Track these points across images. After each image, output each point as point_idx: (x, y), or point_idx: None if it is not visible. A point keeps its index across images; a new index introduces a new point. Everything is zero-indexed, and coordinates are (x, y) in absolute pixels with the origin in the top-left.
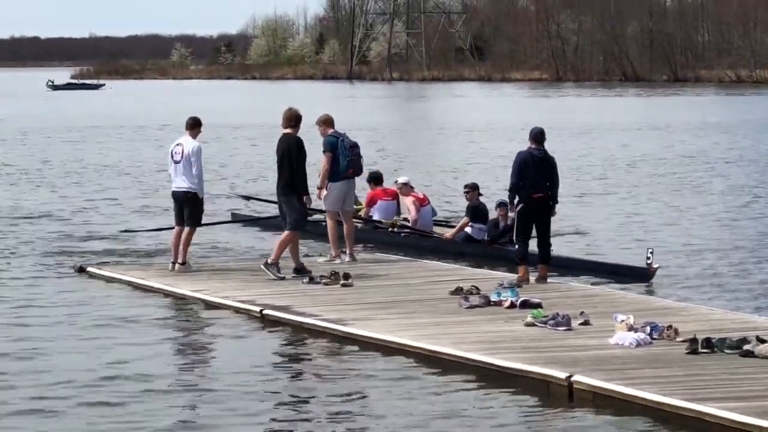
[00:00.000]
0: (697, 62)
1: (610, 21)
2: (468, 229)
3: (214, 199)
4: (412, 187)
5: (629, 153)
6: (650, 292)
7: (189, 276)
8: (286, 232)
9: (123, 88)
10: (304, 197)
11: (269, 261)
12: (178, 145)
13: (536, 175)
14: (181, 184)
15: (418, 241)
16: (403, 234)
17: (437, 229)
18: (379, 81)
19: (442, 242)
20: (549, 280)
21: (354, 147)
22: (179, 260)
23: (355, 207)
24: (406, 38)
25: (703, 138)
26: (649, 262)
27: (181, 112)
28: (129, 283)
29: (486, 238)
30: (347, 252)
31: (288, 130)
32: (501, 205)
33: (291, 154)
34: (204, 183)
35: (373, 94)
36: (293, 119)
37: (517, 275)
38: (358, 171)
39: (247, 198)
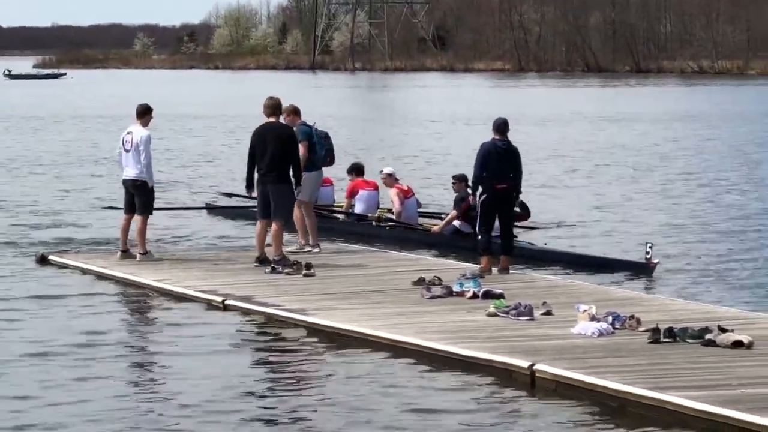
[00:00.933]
0: (660, 53)
1: (572, 11)
2: (456, 223)
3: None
4: (396, 179)
5: (598, 143)
6: (650, 288)
7: (151, 265)
8: (277, 223)
9: (85, 77)
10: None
11: (275, 258)
12: (128, 133)
13: (500, 165)
14: (131, 172)
15: (405, 234)
16: (387, 227)
17: (424, 222)
18: (341, 71)
19: (430, 236)
20: (512, 271)
21: (327, 137)
22: (139, 250)
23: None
24: (369, 28)
25: (670, 129)
26: (648, 256)
27: (142, 101)
28: (91, 272)
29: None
30: (311, 242)
31: (273, 119)
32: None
33: (284, 142)
34: (153, 171)
35: (336, 83)
36: (279, 108)
37: (479, 266)
38: (334, 160)
39: (230, 195)
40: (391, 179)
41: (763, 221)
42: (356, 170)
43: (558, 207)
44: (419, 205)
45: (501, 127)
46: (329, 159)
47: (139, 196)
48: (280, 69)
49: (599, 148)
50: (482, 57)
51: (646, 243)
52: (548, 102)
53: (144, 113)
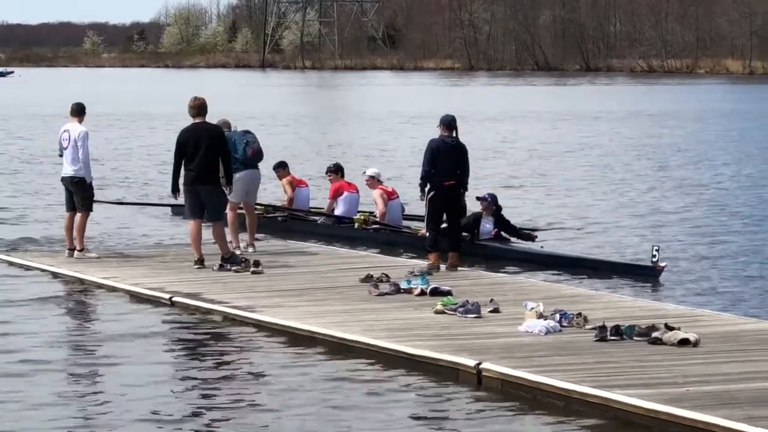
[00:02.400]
0: (609, 52)
1: (522, 10)
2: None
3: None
4: (380, 180)
5: (566, 141)
6: (656, 292)
7: (99, 263)
8: (217, 223)
9: (33, 76)
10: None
11: (225, 257)
12: (65, 131)
13: (448, 162)
14: (68, 169)
15: (392, 238)
16: (372, 230)
17: (411, 225)
18: (291, 69)
19: (419, 239)
20: (460, 268)
21: (247, 133)
22: (77, 247)
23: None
24: (319, 27)
25: (628, 126)
26: (655, 259)
27: (89, 100)
28: (38, 270)
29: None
30: (248, 242)
31: (199, 119)
32: (480, 198)
33: (215, 142)
34: (91, 168)
35: (287, 82)
36: (204, 108)
37: (427, 263)
38: (259, 155)
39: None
40: (374, 181)
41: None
42: (339, 170)
43: (541, 209)
44: (403, 209)
45: (448, 123)
46: (251, 152)
47: (77, 193)
48: (230, 67)
49: (570, 146)
50: (432, 56)
51: (653, 246)
52: (510, 100)
53: (80, 112)
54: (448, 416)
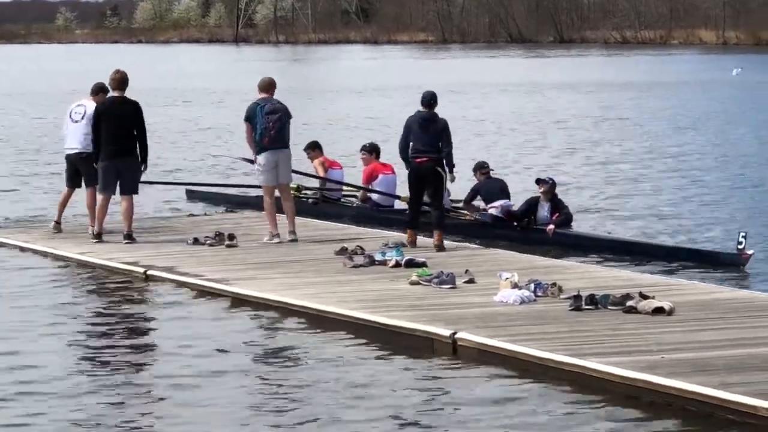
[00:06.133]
0: (583, 23)
1: None
2: (493, 210)
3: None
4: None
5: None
6: (743, 281)
7: (73, 238)
8: (128, 198)
9: (6, 53)
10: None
11: (128, 233)
12: (79, 105)
13: (421, 138)
14: (76, 145)
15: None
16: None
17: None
18: (265, 44)
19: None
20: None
21: (271, 113)
22: (96, 228)
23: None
24: (292, 1)
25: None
26: (741, 247)
27: (65, 77)
28: (13, 246)
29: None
30: (289, 230)
31: (118, 93)
32: (540, 181)
33: (130, 116)
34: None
35: (260, 57)
36: (125, 81)
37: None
38: (275, 142)
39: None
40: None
41: None
42: (374, 150)
43: (599, 189)
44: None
45: (426, 100)
46: (266, 140)
47: (83, 168)
48: (203, 42)
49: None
50: (405, 29)
51: (739, 232)
52: (530, 71)
53: (99, 91)
54: (424, 386)
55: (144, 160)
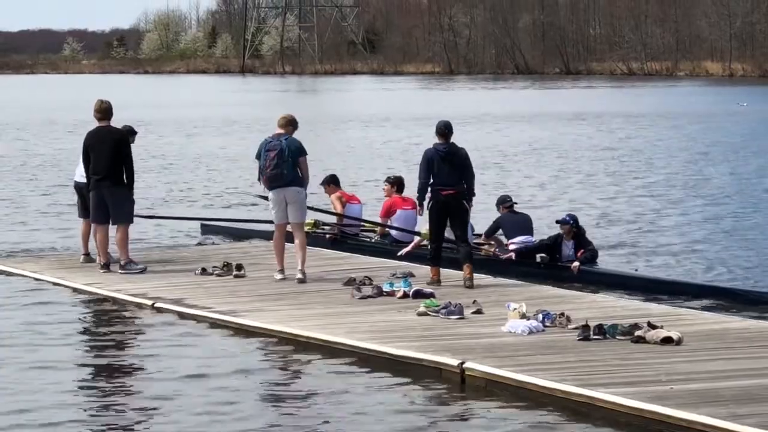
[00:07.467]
0: (589, 55)
1: (502, 14)
2: (513, 246)
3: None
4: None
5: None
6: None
7: (81, 269)
8: (120, 227)
9: (12, 83)
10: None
11: (123, 263)
12: None
13: (444, 170)
14: (80, 175)
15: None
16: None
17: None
18: (271, 75)
19: (501, 263)
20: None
21: (270, 151)
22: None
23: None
24: (299, 32)
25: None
26: None
27: (72, 106)
28: (21, 276)
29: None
30: (298, 268)
31: (104, 123)
32: (561, 222)
33: (118, 146)
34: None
35: (266, 87)
36: (110, 111)
37: (430, 276)
38: (272, 181)
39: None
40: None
41: None
42: (396, 183)
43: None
44: (473, 228)
45: (441, 130)
46: (263, 180)
47: (80, 197)
48: (210, 73)
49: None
50: (412, 60)
51: None
52: (537, 102)
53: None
54: (432, 415)
55: (130, 188)
